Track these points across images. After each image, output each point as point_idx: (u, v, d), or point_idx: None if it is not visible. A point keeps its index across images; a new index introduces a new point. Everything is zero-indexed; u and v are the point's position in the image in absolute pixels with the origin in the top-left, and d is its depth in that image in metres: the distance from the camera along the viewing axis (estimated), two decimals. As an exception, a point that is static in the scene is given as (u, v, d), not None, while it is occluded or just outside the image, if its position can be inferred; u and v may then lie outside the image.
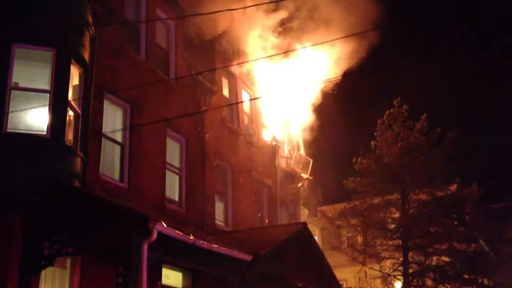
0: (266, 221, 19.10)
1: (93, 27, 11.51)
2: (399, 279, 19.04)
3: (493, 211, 22.71)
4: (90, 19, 11.48)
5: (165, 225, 8.87)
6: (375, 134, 19.84)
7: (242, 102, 18.71)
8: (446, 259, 18.77)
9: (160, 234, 8.74)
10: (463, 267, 18.52)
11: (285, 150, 21.00)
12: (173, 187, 14.69)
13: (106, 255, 9.27)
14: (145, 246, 8.57)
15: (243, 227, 16.91)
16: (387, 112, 19.69)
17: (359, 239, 20.79)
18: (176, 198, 14.66)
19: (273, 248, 12.11)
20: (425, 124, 19.26)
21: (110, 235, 9.09)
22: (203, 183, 15.60)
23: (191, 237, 9.74)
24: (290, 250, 13.30)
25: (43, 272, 9.49)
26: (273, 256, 12.12)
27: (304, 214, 21.59)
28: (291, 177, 20.80)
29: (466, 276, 18.77)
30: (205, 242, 10.13)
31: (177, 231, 9.34)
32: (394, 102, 19.59)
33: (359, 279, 19.66)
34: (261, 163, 19.28)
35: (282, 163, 20.55)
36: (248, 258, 11.40)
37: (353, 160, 19.75)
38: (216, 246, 10.62)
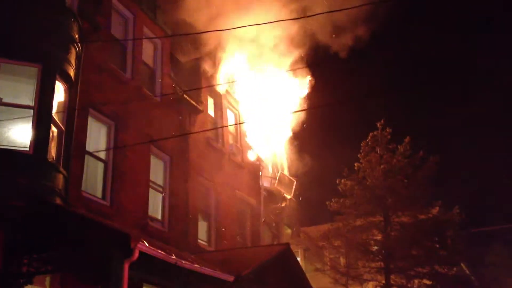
0: (249, 240, 19.01)
1: (79, 44, 11.50)
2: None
3: (475, 235, 22.86)
4: (77, 36, 11.47)
5: (147, 244, 8.80)
6: (358, 156, 19.95)
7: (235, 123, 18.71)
8: (428, 282, 18.79)
9: (141, 253, 8.66)
10: (444, 290, 18.57)
11: (269, 170, 21.01)
12: (156, 206, 14.59)
13: (86, 274, 9.15)
14: (126, 266, 8.47)
15: (226, 246, 16.81)
16: (370, 134, 19.83)
17: (342, 260, 20.72)
18: (159, 216, 14.55)
19: (255, 268, 12.04)
20: (408, 147, 19.42)
21: (90, 254, 8.98)
22: (186, 201, 15.52)
23: (173, 257, 9.66)
24: (272, 270, 13.24)
25: (21, 290, 9.33)
26: (255, 276, 12.05)
27: (287, 234, 21.53)
28: (275, 197, 20.77)
29: (448, 300, 18.80)
30: (187, 262, 10.05)
31: (159, 251, 9.25)
32: (378, 125, 19.76)
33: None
34: (245, 182, 19.26)
35: (266, 182, 20.53)
36: (230, 278, 11.32)
37: (337, 181, 19.80)
38: (198, 266, 10.54)
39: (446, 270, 18.76)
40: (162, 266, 9.68)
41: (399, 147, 19.51)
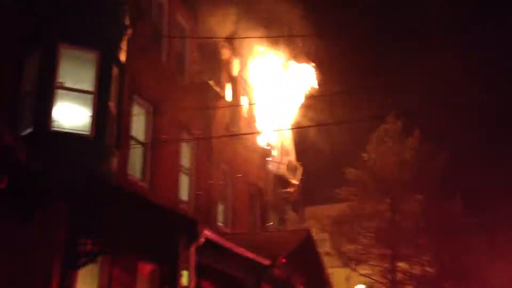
0: (259, 224, 19.65)
1: (128, 30, 11.79)
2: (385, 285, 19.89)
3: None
4: (127, 22, 11.75)
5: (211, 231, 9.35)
6: (367, 147, 20.62)
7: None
8: (431, 270, 19.72)
9: (206, 239, 9.21)
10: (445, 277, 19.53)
11: (277, 155, 21.57)
12: (183, 188, 15.08)
13: (149, 255, 9.65)
14: (193, 249, 9.02)
15: (240, 229, 17.43)
16: (381, 126, 20.49)
17: (348, 245, 21.32)
18: (187, 198, 15.06)
19: (289, 253, 12.73)
20: (418, 140, 20.17)
21: (154, 236, 9.48)
22: (209, 185, 16.04)
23: (228, 242, 10.25)
24: (299, 254, 13.96)
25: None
26: (287, 260, 12.74)
27: (292, 218, 22.23)
28: (282, 181, 21.41)
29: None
30: (239, 248, 10.64)
31: (218, 236, 9.82)
32: (388, 118, 20.44)
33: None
34: (255, 166, 19.83)
35: (273, 167, 21.12)
36: (267, 262, 11.98)
37: (345, 170, 20.50)
38: (242, 249, 11.14)
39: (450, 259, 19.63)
40: (215, 250, 10.25)
41: (409, 139, 20.22)
